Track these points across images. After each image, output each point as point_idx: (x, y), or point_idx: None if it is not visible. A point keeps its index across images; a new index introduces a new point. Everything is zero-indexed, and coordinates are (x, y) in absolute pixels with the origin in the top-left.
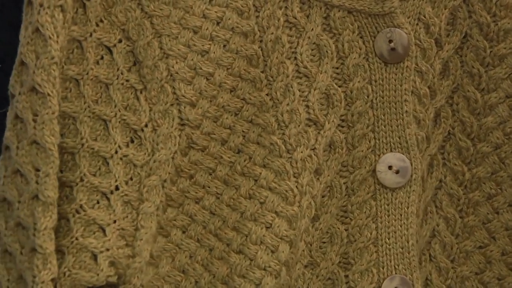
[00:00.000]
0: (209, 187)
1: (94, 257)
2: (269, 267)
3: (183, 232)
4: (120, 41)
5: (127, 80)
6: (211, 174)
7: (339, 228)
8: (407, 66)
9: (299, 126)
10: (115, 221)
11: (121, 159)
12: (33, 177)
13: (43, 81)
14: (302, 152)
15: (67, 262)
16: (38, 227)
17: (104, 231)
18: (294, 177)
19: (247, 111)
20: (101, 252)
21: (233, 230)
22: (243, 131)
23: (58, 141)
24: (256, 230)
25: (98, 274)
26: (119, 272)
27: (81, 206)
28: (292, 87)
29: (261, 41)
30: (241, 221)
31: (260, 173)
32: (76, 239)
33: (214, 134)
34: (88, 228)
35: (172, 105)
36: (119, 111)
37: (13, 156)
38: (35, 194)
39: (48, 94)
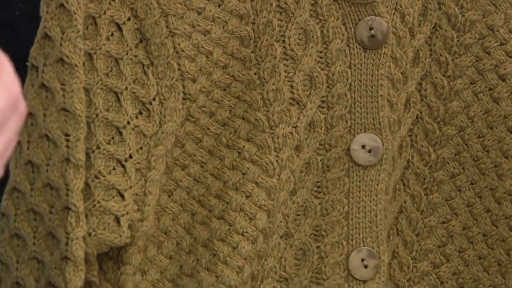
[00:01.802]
0: (195, 156)
1: (117, 219)
2: (247, 232)
3: (169, 196)
4: (129, 19)
5: (135, 56)
6: (197, 144)
7: (313, 202)
8: (384, 53)
9: (282, 104)
10: (131, 187)
11: (133, 129)
12: (63, 142)
13: (70, 52)
14: (284, 129)
15: (91, 223)
16: (71, 188)
17: (122, 196)
18: (275, 151)
19: (235, 87)
20: (123, 215)
21: (216, 198)
22: (230, 106)
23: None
24: (236, 198)
25: (120, 236)
26: (132, 234)
27: (99, 172)
28: (278, 68)
29: (253, 23)
30: (224, 190)
31: (244, 146)
32: (98, 202)
33: (205, 107)
34: (108, 192)
35: (177, 80)
36: (129, 85)
37: (40, 122)
38: (66, 157)
39: (76, 65)
